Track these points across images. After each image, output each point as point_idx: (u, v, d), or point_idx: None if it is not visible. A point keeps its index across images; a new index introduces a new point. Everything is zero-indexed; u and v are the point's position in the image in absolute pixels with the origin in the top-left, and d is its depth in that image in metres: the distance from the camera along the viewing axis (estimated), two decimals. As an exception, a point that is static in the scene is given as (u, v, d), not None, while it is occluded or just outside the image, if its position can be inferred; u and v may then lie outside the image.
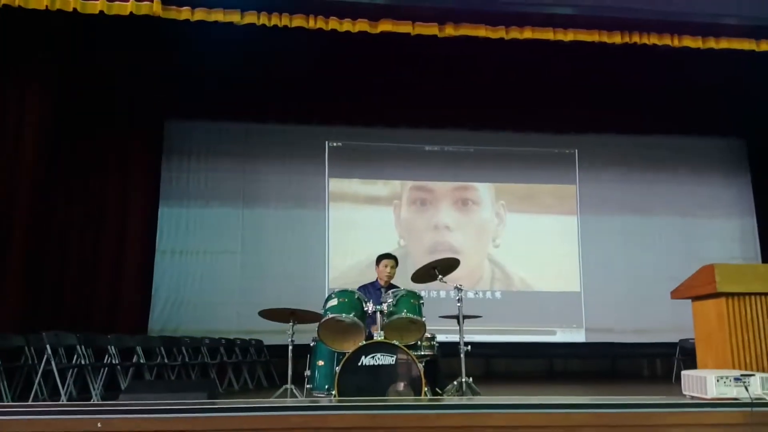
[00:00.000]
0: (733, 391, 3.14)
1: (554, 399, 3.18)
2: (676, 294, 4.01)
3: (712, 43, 6.26)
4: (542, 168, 8.73)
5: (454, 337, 4.45)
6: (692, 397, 3.29)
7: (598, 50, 6.40)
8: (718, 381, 3.15)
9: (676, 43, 6.20)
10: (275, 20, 5.47)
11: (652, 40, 6.13)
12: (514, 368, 8.39)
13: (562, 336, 8.35)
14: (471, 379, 4.06)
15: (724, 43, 6.27)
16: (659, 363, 8.67)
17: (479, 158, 8.66)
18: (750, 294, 3.56)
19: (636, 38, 6.08)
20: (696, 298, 3.87)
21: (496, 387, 6.13)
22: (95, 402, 4.27)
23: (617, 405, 3.08)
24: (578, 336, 8.39)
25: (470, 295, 8.28)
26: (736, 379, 3.16)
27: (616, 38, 6.03)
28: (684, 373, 3.44)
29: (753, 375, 3.16)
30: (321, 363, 4.10)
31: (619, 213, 8.79)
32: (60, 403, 4.14)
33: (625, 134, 8.91)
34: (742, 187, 9.18)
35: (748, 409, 2.99)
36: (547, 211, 8.69)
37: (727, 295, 3.56)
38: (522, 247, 8.53)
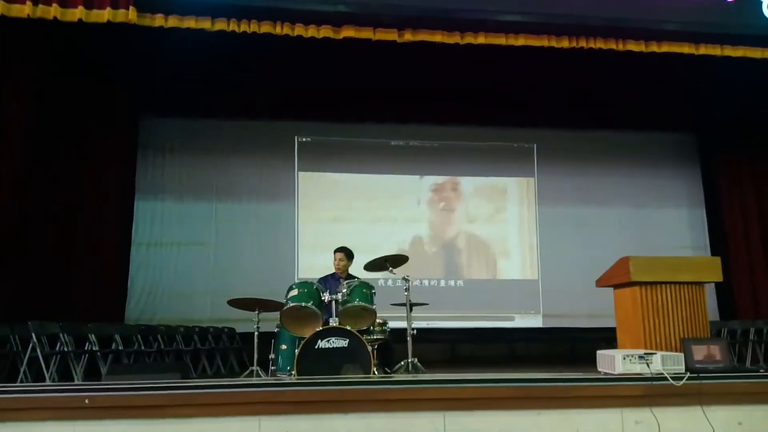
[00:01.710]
0: (637, 368, 3.62)
1: (482, 375, 3.63)
2: (600, 282, 4.48)
3: (654, 47, 6.59)
4: (502, 161, 9.13)
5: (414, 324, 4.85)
6: (605, 374, 3.78)
7: (551, 52, 6.76)
8: (624, 359, 3.62)
9: (620, 47, 6.53)
10: (244, 27, 5.79)
11: (598, 44, 6.46)
12: (478, 353, 8.66)
13: (520, 322, 8.80)
14: (416, 360, 4.50)
15: (665, 47, 6.61)
16: (616, 346, 9.16)
17: (442, 152, 9.04)
18: (660, 283, 4.02)
19: (583, 43, 6.41)
20: (616, 287, 4.36)
21: (459, 371, 6.42)
22: (82, 382, 4.64)
23: (535, 380, 3.54)
24: (536, 321, 8.83)
25: (432, 283, 8.78)
26: (640, 357, 3.62)
27: (564, 43, 6.37)
28: (598, 352, 3.92)
29: (654, 353, 3.64)
30: (284, 347, 4.54)
31: (575, 204, 9.17)
32: (52, 383, 4.51)
33: (581, 129, 9.29)
34: (692, 179, 9.60)
35: (648, 382, 3.48)
36: (507, 202, 9.15)
37: (641, 284, 4.03)
38: (483, 237, 8.98)
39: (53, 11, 5.28)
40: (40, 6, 5.29)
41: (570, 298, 8.72)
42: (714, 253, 9.20)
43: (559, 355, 8.77)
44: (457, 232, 9.01)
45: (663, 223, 9.38)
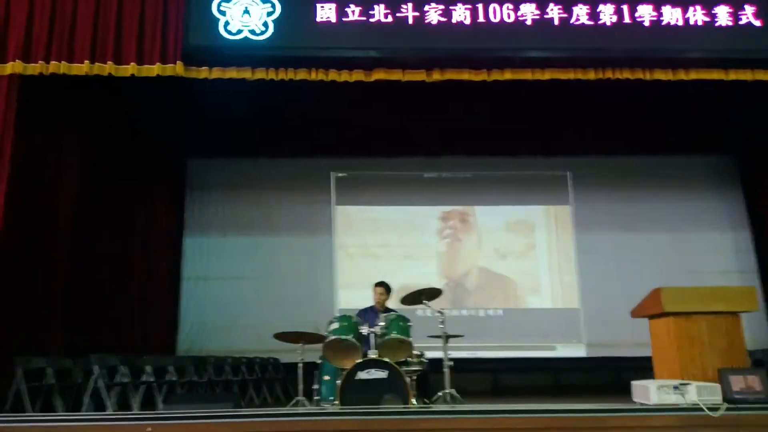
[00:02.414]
0: (672, 398, 3.65)
1: (518, 405, 3.74)
2: (635, 313, 4.54)
3: (682, 75, 6.49)
4: (537, 190, 9.19)
5: (452, 353, 4.94)
6: (640, 404, 3.81)
7: (579, 83, 6.83)
8: (658, 389, 3.67)
9: (647, 76, 6.48)
10: (282, 75, 6.12)
11: (625, 74, 6.43)
12: (521, 383, 8.58)
13: (562, 351, 8.68)
14: (454, 391, 4.62)
15: (693, 75, 6.53)
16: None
17: (476, 183, 9.19)
18: (693, 313, 4.06)
19: (609, 74, 6.39)
20: (651, 317, 4.41)
21: (503, 401, 6.09)
22: (144, 411, 4.95)
23: (570, 410, 3.63)
24: (579, 351, 8.69)
25: (471, 312, 8.85)
26: (675, 388, 3.65)
27: (590, 75, 6.38)
28: (633, 382, 3.96)
29: (689, 384, 3.67)
30: (327, 378, 4.75)
31: (614, 231, 9.09)
32: (115, 413, 4.82)
33: (616, 156, 9.27)
34: (734, 201, 9.40)
35: (683, 413, 3.51)
36: (542, 231, 9.18)
37: (674, 314, 4.07)
38: (521, 267, 9.02)
39: (108, 68, 5.76)
40: (97, 64, 5.77)
41: (613, 327, 8.45)
42: (764, 276, 8.98)
43: (604, 384, 8.51)
44: (492, 261, 9.05)
45: (707, 247, 9.19)
